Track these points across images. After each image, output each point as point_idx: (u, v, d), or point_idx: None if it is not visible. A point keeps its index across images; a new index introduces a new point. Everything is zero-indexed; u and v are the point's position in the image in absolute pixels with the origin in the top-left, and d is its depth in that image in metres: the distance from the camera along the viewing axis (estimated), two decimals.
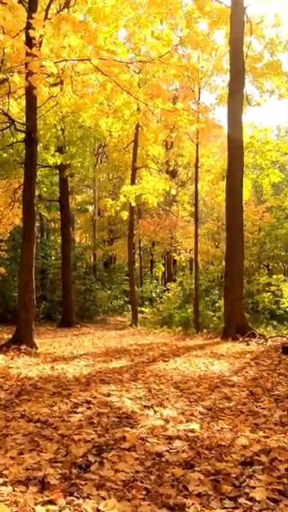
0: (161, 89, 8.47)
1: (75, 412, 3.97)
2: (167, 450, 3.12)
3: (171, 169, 22.39)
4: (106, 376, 5.65)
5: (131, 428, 3.57)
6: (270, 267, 19.13)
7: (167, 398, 4.53)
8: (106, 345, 9.55)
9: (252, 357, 7.13)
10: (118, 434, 3.40)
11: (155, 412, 4.04)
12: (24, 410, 4.00)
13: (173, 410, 4.10)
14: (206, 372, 5.93)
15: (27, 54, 6.35)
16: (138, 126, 14.46)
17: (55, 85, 10.71)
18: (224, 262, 15.24)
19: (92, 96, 12.29)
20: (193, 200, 18.55)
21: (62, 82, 11.09)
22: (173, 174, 22.31)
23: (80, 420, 3.75)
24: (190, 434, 3.45)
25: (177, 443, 3.25)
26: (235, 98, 10.81)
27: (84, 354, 7.83)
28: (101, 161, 26.21)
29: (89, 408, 4.10)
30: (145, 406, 4.20)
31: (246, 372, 5.94)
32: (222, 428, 3.64)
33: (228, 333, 10.12)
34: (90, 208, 26.60)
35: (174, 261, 26.30)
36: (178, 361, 6.90)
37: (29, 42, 6.53)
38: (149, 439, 3.33)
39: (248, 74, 12.75)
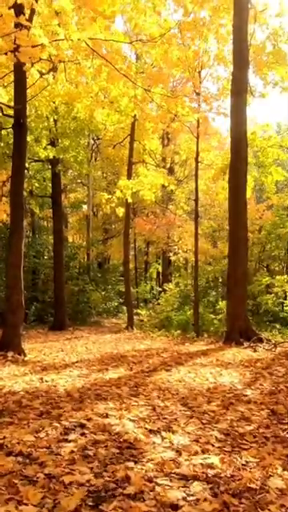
0: (161, 73, 7.78)
1: (66, 440, 3.27)
2: (184, 498, 2.43)
3: (168, 166, 21.73)
4: (102, 390, 4.95)
5: (135, 463, 2.88)
6: (270, 268, 18.57)
7: (175, 419, 3.84)
8: (101, 350, 8.84)
9: (263, 366, 6.47)
10: (120, 473, 2.70)
11: (163, 439, 3.35)
12: (4, 438, 3.28)
13: (184, 436, 3.41)
14: (216, 384, 5.25)
15: (15, 24, 5.64)
16: (134, 118, 13.75)
17: (48, 72, 9.99)
18: (224, 262, 14.64)
19: (87, 85, 11.60)
20: (191, 197, 17.90)
21: (55, 69, 10.39)
22: (169, 172, 21.64)
23: (72, 452, 3.05)
24: (210, 472, 2.77)
25: (195, 487, 2.57)
26: (239, 89, 10.18)
27: (77, 362, 7.12)
28: (95, 159, 25.42)
29: (83, 434, 3.40)
30: (150, 431, 3.51)
31: (261, 384, 5.27)
32: (246, 462, 2.96)
33: (231, 337, 9.49)
34: (84, 206, 25.80)
35: (169, 261, 25.58)
36: (182, 370, 6.21)
37: (17, 11, 5.82)
38: (159, 480, 2.64)
39: (251, 63, 12.12)
